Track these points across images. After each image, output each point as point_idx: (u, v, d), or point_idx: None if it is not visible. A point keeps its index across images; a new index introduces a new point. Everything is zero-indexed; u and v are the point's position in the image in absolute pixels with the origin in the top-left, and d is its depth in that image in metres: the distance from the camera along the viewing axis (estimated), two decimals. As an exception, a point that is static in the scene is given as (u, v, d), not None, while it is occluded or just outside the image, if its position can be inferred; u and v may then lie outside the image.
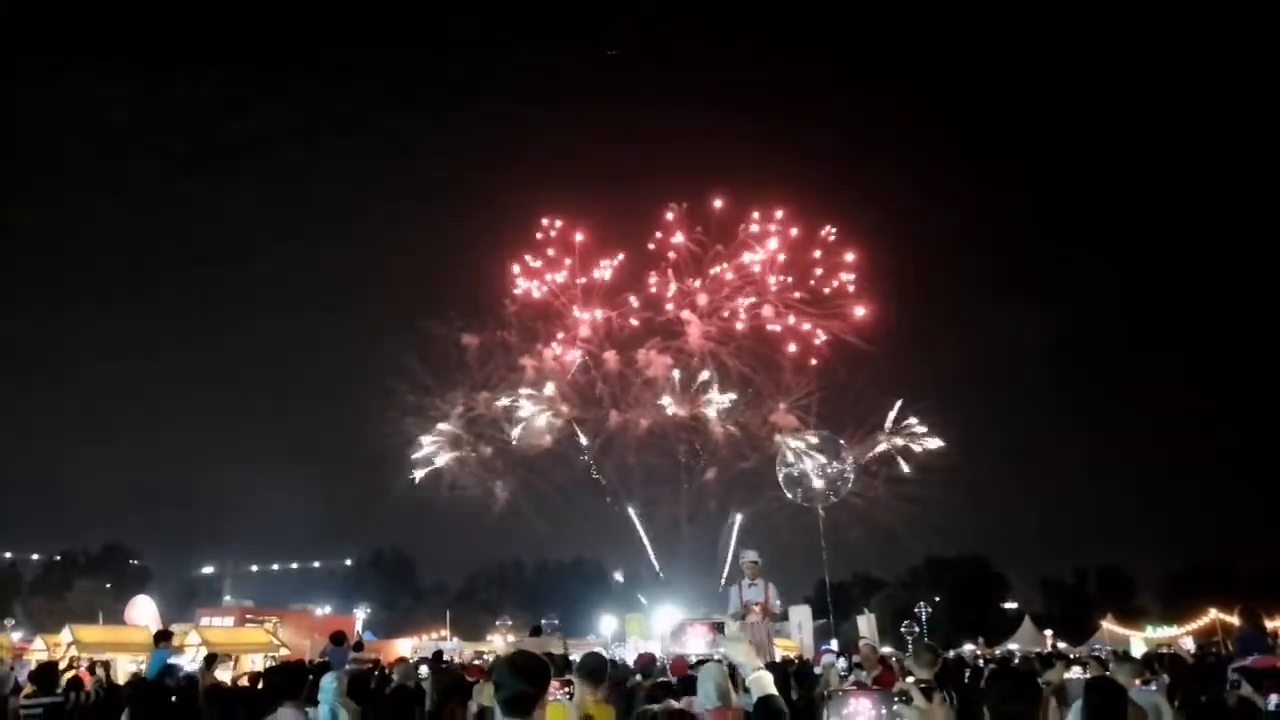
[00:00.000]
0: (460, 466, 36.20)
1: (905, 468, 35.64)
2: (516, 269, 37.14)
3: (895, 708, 2.89)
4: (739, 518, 37.28)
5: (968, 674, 9.68)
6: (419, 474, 34.95)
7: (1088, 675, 6.11)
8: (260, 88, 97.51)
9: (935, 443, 35.45)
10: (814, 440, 35.22)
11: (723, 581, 37.10)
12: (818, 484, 33.92)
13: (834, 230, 36.87)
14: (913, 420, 36.03)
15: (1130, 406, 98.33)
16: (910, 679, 8.13)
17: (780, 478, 34.95)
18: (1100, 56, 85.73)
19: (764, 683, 3.44)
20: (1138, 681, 6.05)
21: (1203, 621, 36.98)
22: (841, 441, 34.85)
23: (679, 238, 36.79)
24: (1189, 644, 34.33)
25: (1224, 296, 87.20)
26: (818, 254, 36.76)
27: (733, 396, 36.39)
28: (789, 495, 33.55)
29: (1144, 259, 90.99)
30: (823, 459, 34.88)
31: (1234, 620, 31.96)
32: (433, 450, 35.38)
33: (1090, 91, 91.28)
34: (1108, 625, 42.74)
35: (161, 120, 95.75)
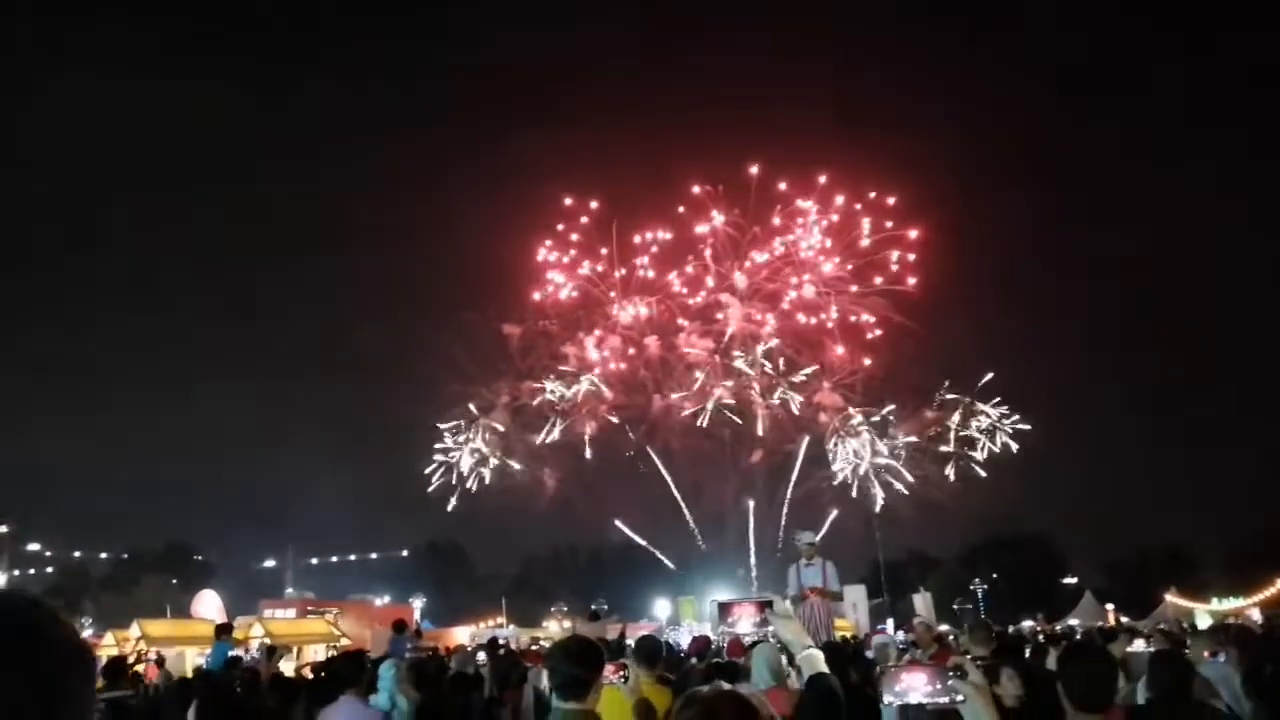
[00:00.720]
0: (504, 458, 36.58)
1: (981, 453, 35.03)
2: (552, 256, 37.27)
3: (950, 683, 2.82)
4: (751, 504, 37.20)
5: (1028, 650, 9.52)
6: (464, 468, 35.41)
7: (1151, 649, 5.97)
8: (287, 81, 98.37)
9: (1021, 426, 34.70)
10: (873, 427, 34.97)
11: (752, 569, 37.15)
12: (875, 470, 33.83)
13: (889, 200, 36.28)
14: (991, 405, 35.44)
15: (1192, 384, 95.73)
16: (968, 657, 8.05)
17: (845, 472, 34.82)
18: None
19: (815, 661, 3.36)
20: (1206, 654, 5.90)
21: (1270, 592, 36.09)
22: (902, 437, 34.43)
23: (718, 219, 36.58)
24: (1256, 615, 33.51)
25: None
26: (866, 229, 36.32)
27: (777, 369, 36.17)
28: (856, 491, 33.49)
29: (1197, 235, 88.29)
30: (883, 448, 34.58)
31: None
32: (473, 445, 35.83)
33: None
34: (1171, 598, 41.88)
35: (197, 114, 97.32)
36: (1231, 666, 5.65)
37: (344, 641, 27.38)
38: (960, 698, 2.79)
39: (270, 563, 59.02)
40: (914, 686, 2.79)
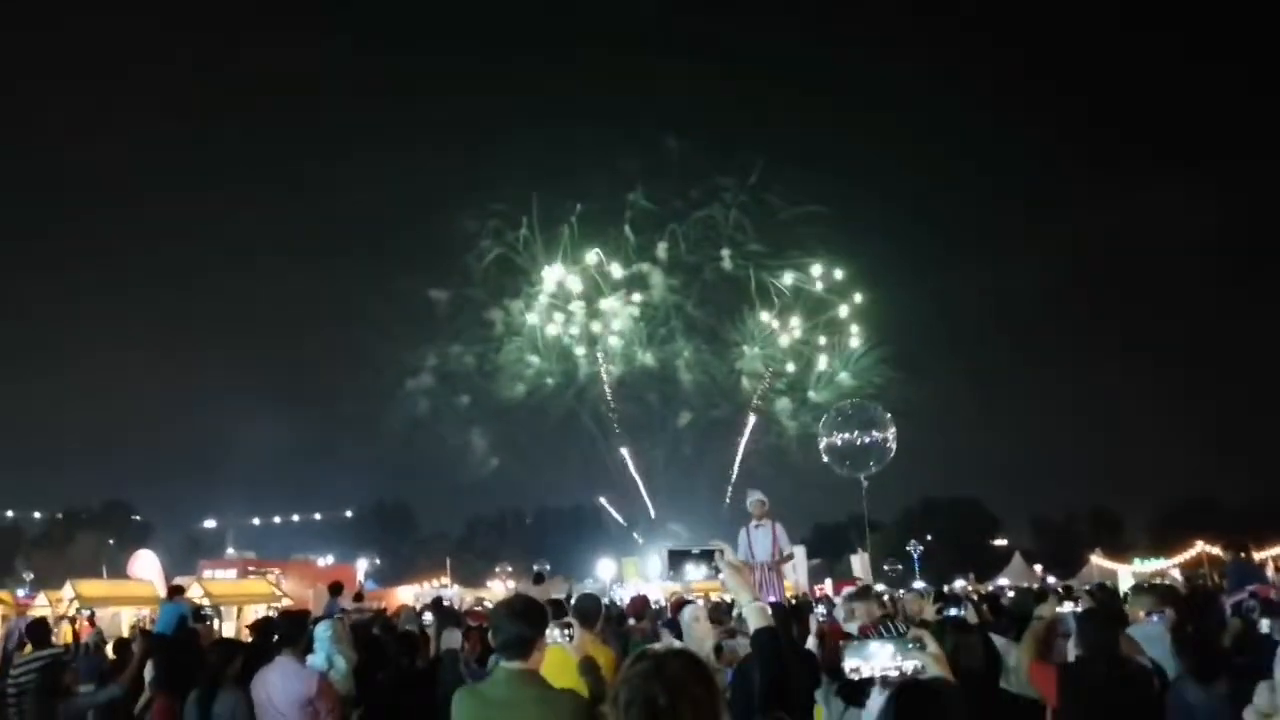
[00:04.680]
0: (437, 418, 36.71)
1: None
2: (475, 225, 37.32)
3: (910, 653, 2.88)
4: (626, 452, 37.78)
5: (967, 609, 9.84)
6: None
7: (1078, 609, 6.18)
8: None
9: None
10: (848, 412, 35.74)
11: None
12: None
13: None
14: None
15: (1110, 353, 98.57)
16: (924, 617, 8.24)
17: (822, 447, 35.45)
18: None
19: (760, 614, 3.38)
20: (1143, 614, 6.13)
21: (1190, 554, 37.52)
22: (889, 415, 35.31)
23: (639, 192, 36.96)
24: (1177, 575, 34.89)
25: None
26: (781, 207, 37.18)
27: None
28: (838, 470, 33.98)
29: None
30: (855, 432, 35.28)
31: (1219, 553, 32.45)
32: (412, 403, 35.81)
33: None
34: (1096, 559, 43.30)
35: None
36: (1165, 626, 5.88)
37: (286, 602, 27.13)
38: (921, 666, 2.85)
39: (211, 523, 58.13)
40: (874, 656, 2.84)
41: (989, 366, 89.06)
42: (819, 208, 36.96)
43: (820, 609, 8.84)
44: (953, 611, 7.02)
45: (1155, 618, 5.91)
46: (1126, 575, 36.26)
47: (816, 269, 37.02)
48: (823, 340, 38.42)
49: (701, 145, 39.27)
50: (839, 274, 37.30)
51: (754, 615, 3.37)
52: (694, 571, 3.82)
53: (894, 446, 30.83)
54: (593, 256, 37.23)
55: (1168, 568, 37.73)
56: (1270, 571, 21.04)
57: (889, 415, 31.06)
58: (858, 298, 37.65)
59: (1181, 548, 39.07)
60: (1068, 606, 6.69)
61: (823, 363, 38.31)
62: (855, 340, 38.00)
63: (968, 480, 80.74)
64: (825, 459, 30.85)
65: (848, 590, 11.50)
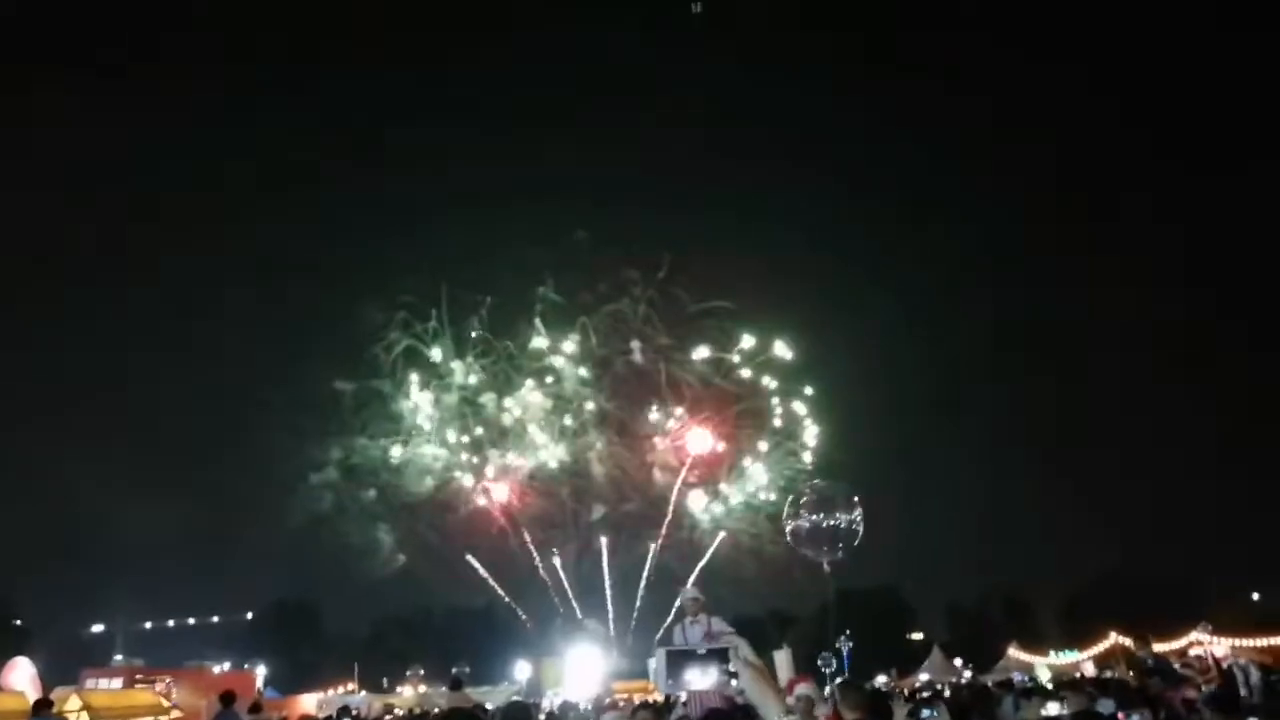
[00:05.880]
0: (341, 514, 35.56)
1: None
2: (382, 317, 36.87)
3: None
4: (605, 560, 37.32)
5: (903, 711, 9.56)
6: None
7: (1066, 710, 6.04)
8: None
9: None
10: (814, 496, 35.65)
11: (610, 626, 36.94)
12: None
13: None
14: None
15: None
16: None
17: (788, 530, 35.07)
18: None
19: None
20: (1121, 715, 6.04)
21: (1103, 645, 38.09)
22: (855, 497, 35.11)
23: (549, 286, 37.18)
24: (1090, 669, 35.30)
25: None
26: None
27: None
28: (807, 553, 33.55)
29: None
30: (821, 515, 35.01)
31: (1129, 644, 33.07)
32: (316, 497, 34.70)
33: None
34: (1013, 652, 43.71)
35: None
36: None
37: (175, 714, 25.29)
38: None
39: (98, 627, 54.35)
40: None
41: (897, 447, 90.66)
42: (724, 302, 37.78)
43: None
44: (925, 713, 6.77)
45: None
46: (1043, 668, 36.60)
47: (729, 357, 37.49)
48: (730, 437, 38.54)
49: (610, 239, 39.82)
50: (745, 372, 37.80)
51: None
52: (700, 678, 3.22)
53: (861, 529, 30.86)
54: (504, 348, 37.13)
55: (1081, 660, 38.23)
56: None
57: (855, 498, 31.13)
58: (771, 383, 38.14)
59: (1094, 638, 39.68)
60: (1053, 708, 6.54)
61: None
62: (764, 440, 38.28)
63: (876, 567, 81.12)
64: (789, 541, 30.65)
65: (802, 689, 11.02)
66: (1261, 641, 29.49)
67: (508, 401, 36.64)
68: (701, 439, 37.74)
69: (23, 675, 28.78)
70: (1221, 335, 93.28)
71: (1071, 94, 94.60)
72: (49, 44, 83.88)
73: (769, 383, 37.84)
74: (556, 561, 37.77)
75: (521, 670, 39.09)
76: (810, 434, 38.16)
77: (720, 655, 2.89)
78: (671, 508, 37.53)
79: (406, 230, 73.31)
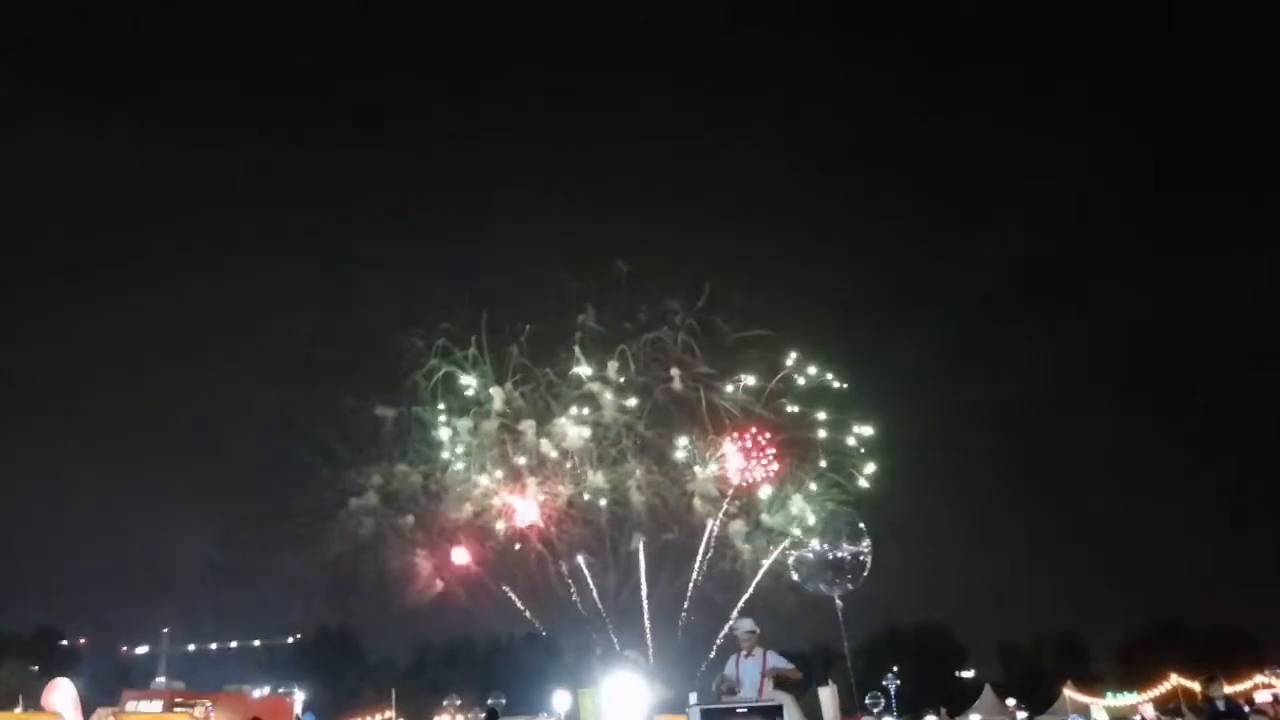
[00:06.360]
0: (381, 540, 35.63)
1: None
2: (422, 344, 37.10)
3: None
4: (644, 589, 36.76)
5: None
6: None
7: None
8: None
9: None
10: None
11: (649, 657, 36.30)
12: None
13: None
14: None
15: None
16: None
17: (790, 564, 34.66)
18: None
19: None
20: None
21: (1164, 687, 36.68)
22: (861, 524, 34.42)
23: (589, 315, 37.18)
24: (1150, 711, 33.93)
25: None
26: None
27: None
28: (809, 588, 33.06)
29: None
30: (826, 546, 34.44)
31: (1193, 686, 31.73)
32: (356, 523, 34.79)
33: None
34: (1069, 693, 42.23)
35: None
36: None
37: (212, 738, 25.22)
38: None
39: (143, 649, 55.00)
40: None
41: (956, 487, 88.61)
42: (764, 331, 37.45)
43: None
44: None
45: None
46: (1099, 710, 35.26)
47: (772, 386, 37.06)
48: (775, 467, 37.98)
49: (650, 267, 39.65)
50: (793, 407, 37.32)
51: None
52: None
53: (869, 559, 30.16)
54: (543, 375, 37.14)
55: (1140, 702, 36.79)
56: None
57: (862, 526, 30.47)
58: (821, 416, 37.55)
59: (1153, 680, 38.21)
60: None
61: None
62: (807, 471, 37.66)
63: (930, 602, 79.04)
64: (796, 575, 29.98)
65: None
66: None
67: (547, 429, 36.56)
68: (744, 469, 37.25)
69: (63, 696, 28.93)
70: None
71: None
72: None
73: (819, 415, 37.37)
74: (594, 591, 37.35)
75: (561, 701, 38.54)
76: (864, 468, 37.38)
77: (766, 713, 2.52)
78: (712, 538, 36.98)
79: (453, 256, 73.28)
